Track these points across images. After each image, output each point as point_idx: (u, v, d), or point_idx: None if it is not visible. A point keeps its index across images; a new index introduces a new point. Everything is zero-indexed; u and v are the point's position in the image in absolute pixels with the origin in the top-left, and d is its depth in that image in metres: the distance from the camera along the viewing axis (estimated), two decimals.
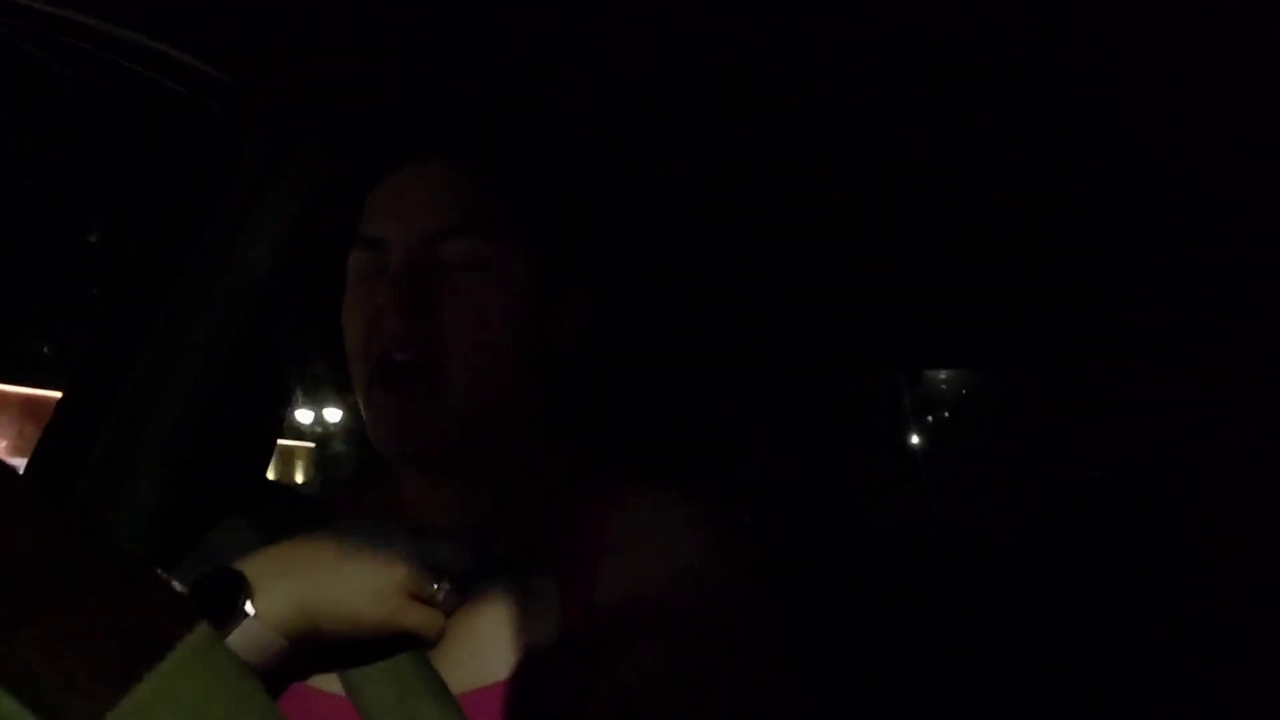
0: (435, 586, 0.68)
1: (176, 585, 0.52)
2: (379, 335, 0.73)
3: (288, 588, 0.64)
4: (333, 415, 14.80)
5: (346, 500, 0.87)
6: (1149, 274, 1.45)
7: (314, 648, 0.66)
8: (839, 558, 3.08)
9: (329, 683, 0.69)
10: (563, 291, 0.80)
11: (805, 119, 0.98)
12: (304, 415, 14.70)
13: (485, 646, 0.68)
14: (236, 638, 0.61)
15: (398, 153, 0.78)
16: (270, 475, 1.22)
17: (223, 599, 0.62)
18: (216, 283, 1.03)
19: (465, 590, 0.70)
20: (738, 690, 0.65)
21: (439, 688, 0.65)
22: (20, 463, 1.07)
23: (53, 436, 1.03)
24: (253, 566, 0.64)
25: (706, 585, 0.68)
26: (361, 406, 0.76)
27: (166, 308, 1.03)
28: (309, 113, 1.00)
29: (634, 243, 1.30)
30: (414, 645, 0.68)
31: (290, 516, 0.73)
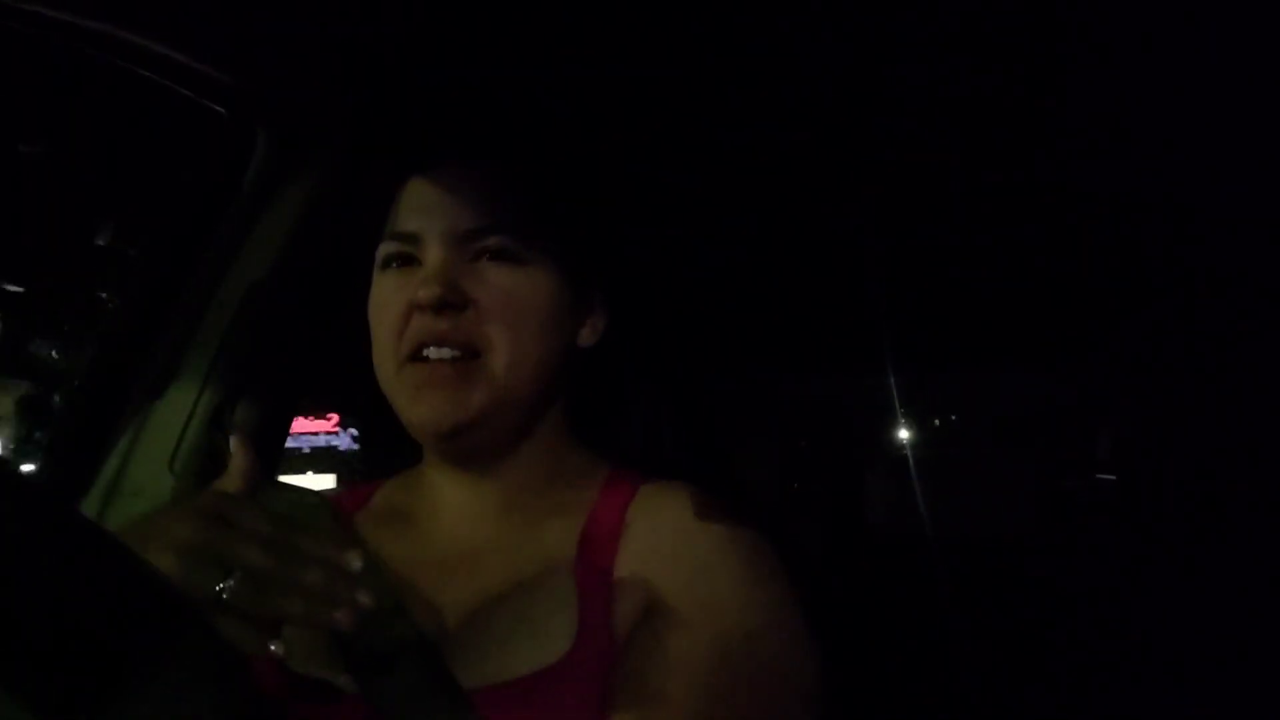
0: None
1: None
2: (412, 331, 0.74)
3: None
4: None
5: (357, 497, 0.87)
6: (1150, 273, 1.45)
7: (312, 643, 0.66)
8: (844, 562, 3.07)
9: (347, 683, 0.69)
10: (586, 292, 0.82)
11: (807, 125, 0.99)
12: None
13: (501, 643, 0.69)
14: None
15: (431, 152, 0.79)
16: None
17: None
18: (225, 286, 1.04)
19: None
20: (754, 688, 0.65)
21: (451, 685, 0.66)
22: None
23: (62, 440, 1.04)
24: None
25: (723, 585, 0.69)
26: (391, 400, 0.76)
27: (175, 311, 1.04)
28: (318, 117, 1.01)
29: (648, 247, 1.31)
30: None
31: (294, 512, 0.73)
